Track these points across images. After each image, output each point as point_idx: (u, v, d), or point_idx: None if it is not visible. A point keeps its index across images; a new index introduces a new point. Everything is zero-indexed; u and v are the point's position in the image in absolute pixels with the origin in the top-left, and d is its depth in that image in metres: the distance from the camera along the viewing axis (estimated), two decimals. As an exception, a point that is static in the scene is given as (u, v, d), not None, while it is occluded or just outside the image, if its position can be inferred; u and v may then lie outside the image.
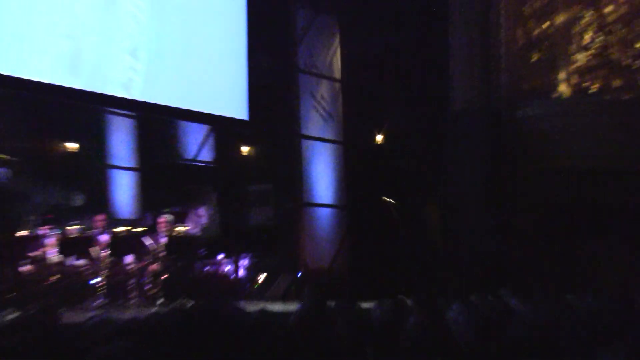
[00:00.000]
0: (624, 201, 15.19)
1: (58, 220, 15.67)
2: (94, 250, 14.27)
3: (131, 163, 19.72)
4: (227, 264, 17.49)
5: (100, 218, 15.32)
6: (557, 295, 8.77)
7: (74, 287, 14.10)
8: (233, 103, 17.66)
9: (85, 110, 17.93)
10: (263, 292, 17.30)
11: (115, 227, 15.73)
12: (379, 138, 21.15)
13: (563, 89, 15.92)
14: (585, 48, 15.97)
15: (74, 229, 15.21)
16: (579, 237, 15.11)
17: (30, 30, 13.59)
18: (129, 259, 14.84)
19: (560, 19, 15.93)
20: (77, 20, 14.41)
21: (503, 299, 8.06)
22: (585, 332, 4.56)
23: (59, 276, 13.93)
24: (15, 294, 12.91)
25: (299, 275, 18.18)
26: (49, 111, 17.62)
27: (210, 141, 20.68)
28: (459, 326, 5.39)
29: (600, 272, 13.99)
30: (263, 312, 5.91)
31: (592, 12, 15.98)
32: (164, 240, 15.20)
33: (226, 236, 18.96)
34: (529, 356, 4.17)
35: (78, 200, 19.11)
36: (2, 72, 13.18)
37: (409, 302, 6.99)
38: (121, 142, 19.54)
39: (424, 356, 4.10)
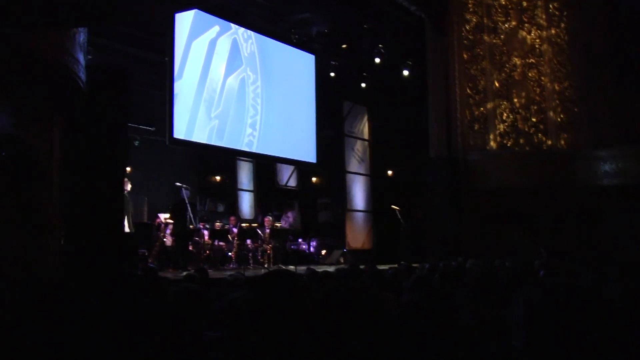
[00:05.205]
0: (523, 206, 15.49)
1: (210, 219, 16.17)
2: (229, 237, 14.65)
3: (250, 187, 19.70)
4: (304, 244, 17.94)
5: (233, 218, 15.73)
6: (488, 260, 9.90)
7: (218, 257, 14.49)
8: (308, 153, 17.69)
9: (226, 158, 18.28)
10: (324, 260, 17.60)
11: (241, 224, 15.84)
12: (390, 172, 21.60)
13: (492, 144, 16.12)
14: (503, 122, 16.17)
15: (218, 224, 15.54)
16: (499, 226, 15.39)
17: (196, 115, 14.17)
18: (248, 241, 15.01)
19: (489, 105, 16.15)
20: (222, 109, 14.95)
21: (460, 262, 8.92)
22: (504, 280, 4.55)
23: (209, 252, 14.41)
24: (184, 260, 13.10)
25: (344, 250, 18.23)
26: (207, 158, 18.41)
27: (295, 174, 20.55)
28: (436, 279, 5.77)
29: (511, 247, 14.08)
30: (325, 272, 6.57)
31: (506, 102, 16.21)
32: (268, 231, 15.09)
33: (304, 228, 19.10)
34: (474, 293, 4.17)
35: (221, 208, 19.52)
36: (182, 138, 13.87)
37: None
38: (245, 175, 19.63)
39: (415, 298, 4.29)
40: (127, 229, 12.49)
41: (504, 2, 16.67)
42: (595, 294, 1.64)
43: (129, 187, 12.64)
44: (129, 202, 12.63)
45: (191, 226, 14.08)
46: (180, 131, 13.74)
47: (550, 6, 16.65)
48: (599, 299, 1.63)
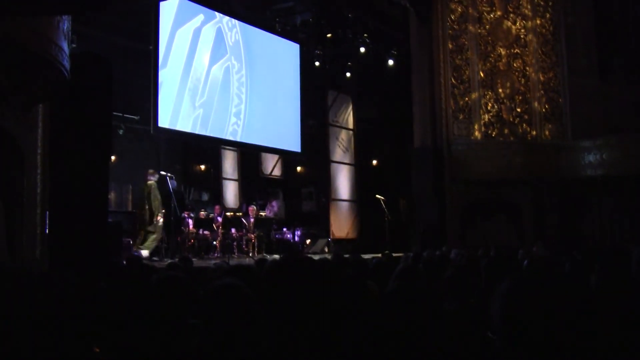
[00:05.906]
0: (507, 196, 15.71)
1: (194, 208, 15.95)
2: (214, 226, 14.57)
3: (235, 176, 19.75)
4: (289, 233, 17.58)
5: (217, 207, 15.65)
6: (472, 249, 9.94)
7: (202, 246, 14.51)
8: (292, 142, 17.78)
9: (210, 147, 18.22)
10: (309, 250, 17.55)
11: (226, 213, 15.85)
12: (374, 162, 21.52)
13: (476, 134, 16.17)
14: (488, 112, 16.26)
15: (203, 213, 15.45)
16: (483, 216, 15.59)
17: (181, 103, 14.15)
18: (233, 230, 14.97)
19: (474, 95, 16.19)
20: (207, 97, 14.94)
21: (444, 252, 9.01)
22: (488, 271, 4.51)
23: (193, 240, 14.32)
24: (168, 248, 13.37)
25: (329, 240, 18.34)
26: (191, 147, 18.29)
27: (279, 163, 20.65)
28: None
29: (493, 237, 14.08)
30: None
31: (491, 92, 16.27)
32: (252, 220, 15.20)
33: (288, 217, 19.09)
34: (457, 283, 4.08)
35: (205, 197, 19.37)
36: (167, 127, 13.86)
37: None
38: (229, 164, 19.63)
39: (399, 287, 3.30)
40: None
41: (489, -8, 16.75)
42: (575, 284, 1.66)
43: (156, 177, 12.98)
44: (158, 191, 12.96)
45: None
46: (164, 120, 13.70)
47: (536, -4, 16.76)
48: (579, 290, 1.64)
